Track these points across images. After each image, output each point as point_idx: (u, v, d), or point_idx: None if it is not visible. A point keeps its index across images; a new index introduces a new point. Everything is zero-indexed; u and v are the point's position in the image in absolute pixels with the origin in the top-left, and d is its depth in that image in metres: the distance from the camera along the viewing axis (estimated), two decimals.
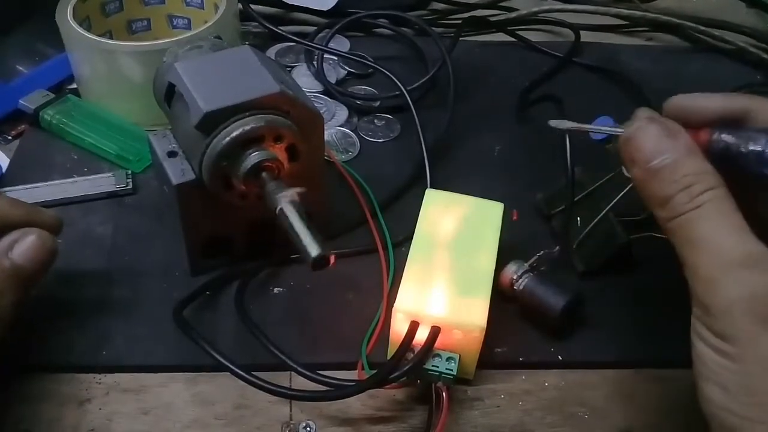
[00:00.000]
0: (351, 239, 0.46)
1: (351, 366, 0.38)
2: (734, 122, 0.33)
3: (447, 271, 0.38)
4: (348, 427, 0.37)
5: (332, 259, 0.33)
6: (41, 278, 0.36)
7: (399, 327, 0.37)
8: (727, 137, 0.32)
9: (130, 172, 0.49)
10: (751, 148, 0.31)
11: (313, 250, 0.33)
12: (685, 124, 0.32)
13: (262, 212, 0.37)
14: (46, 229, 0.37)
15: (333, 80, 0.59)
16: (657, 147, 0.31)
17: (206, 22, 0.53)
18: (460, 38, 0.62)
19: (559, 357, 0.40)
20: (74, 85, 0.55)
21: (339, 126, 0.55)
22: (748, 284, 0.28)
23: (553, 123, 0.37)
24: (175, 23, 0.59)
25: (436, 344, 0.36)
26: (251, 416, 0.37)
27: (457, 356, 0.37)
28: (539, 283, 0.40)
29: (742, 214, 0.29)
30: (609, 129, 0.34)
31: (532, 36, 0.68)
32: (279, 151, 0.37)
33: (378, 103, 0.57)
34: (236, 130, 0.36)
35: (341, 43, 0.64)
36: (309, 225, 0.34)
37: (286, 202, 0.35)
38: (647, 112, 0.33)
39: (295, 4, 0.65)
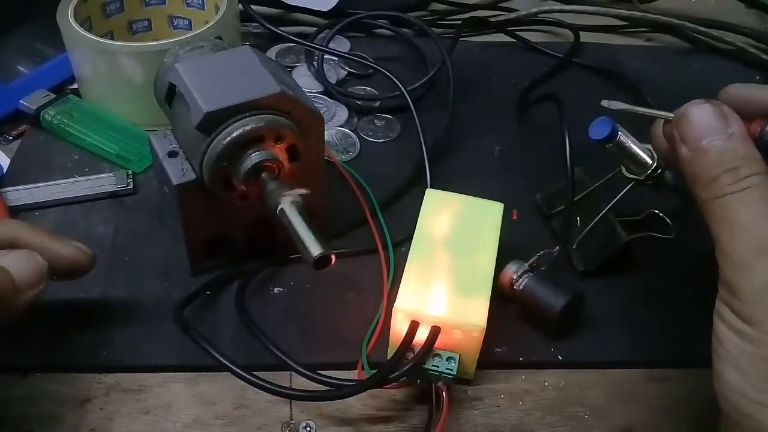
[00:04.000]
0: (351, 239, 0.46)
1: (351, 366, 0.38)
2: None
3: (447, 271, 0.38)
4: (348, 427, 0.37)
5: (333, 258, 0.33)
6: (29, 293, 0.34)
7: (399, 327, 0.37)
8: None
9: (130, 172, 0.49)
10: None
11: (315, 249, 0.33)
12: (738, 113, 0.32)
13: (262, 212, 0.37)
14: (65, 262, 0.36)
15: (333, 80, 0.59)
16: (709, 126, 0.31)
17: (207, 22, 0.53)
18: (460, 39, 0.62)
19: (559, 357, 0.40)
20: (75, 86, 0.55)
21: (339, 126, 0.55)
22: None
23: (605, 103, 0.38)
24: (175, 24, 0.59)
25: (436, 344, 0.36)
26: (251, 416, 0.37)
27: (457, 356, 0.37)
28: (539, 283, 0.40)
29: None
30: (660, 113, 0.35)
31: (532, 36, 0.68)
32: (279, 152, 0.37)
33: (378, 104, 0.57)
34: (237, 130, 0.36)
35: (341, 44, 0.64)
36: (310, 224, 0.34)
37: (287, 201, 0.35)
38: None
39: (296, 4, 0.65)
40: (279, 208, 0.35)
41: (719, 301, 0.30)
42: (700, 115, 0.31)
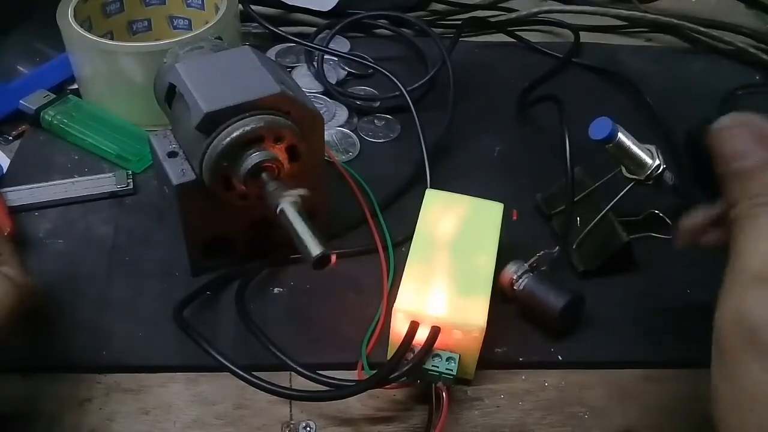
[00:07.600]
0: (351, 239, 0.46)
1: (351, 366, 0.38)
2: None
3: (447, 271, 0.38)
4: (348, 427, 0.37)
5: (333, 258, 0.33)
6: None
7: (399, 327, 0.37)
8: None
9: (130, 172, 0.49)
10: None
11: (315, 249, 0.33)
12: None
13: (262, 212, 0.37)
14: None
15: (333, 81, 0.59)
16: (740, 150, 0.30)
17: (207, 22, 0.53)
18: (460, 39, 0.62)
19: (559, 357, 0.40)
20: (75, 86, 0.55)
21: (339, 126, 0.55)
22: (746, 299, 0.27)
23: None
24: (175, 24, 0.59)
25: (436, 344, 0.36)
26: (251, 416, 0.37)
27: (457, 356, 0.37)
28: (539, 283, 0.40)
29: None
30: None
31: (532, 36, 0.68)
32: (279, 152, 0.37)
33: (378, 104, 0.58)
34: (236, 130, 0.36)
35: (341, 44, 0.64)
36: (310, 224, 0.34)
37: (287, 202, 0.35)
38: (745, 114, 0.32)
39: (296, 5, 0.65)
40: (279, 208, 0.35)
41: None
42: (735, 136, 0.31)
